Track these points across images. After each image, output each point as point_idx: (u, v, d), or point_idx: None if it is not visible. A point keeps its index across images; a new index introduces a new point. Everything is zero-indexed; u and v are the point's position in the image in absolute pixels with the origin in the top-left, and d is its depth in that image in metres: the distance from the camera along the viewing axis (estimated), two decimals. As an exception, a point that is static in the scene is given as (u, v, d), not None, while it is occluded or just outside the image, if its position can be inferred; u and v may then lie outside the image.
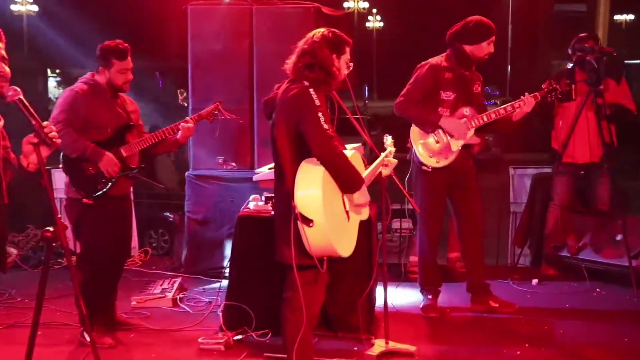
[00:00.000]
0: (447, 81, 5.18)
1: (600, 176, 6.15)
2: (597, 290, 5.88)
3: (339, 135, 3.84)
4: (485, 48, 5.16)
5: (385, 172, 4.18)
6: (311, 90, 3.65)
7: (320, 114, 3.59)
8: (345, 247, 3.72)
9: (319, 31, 3.82)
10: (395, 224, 8.47)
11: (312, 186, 3.58)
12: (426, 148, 5.22)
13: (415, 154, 5.22)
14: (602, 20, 15.32)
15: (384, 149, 4.28)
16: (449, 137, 5.19)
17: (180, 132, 4.89)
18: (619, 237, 5.90)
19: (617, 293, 5.76)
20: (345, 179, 3.68)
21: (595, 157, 6.09)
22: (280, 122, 3.71)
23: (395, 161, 4.27)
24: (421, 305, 5.40)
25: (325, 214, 3.54)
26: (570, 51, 6.18)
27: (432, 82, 5.16)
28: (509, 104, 5.26)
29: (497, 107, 5.30)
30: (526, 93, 5.21)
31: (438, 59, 5.25)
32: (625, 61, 6.21)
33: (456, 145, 5.21)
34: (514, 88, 22.99)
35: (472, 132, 5.23)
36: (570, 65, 6.20)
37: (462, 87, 5.21)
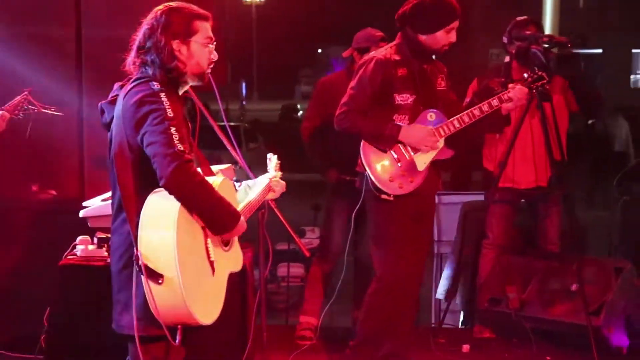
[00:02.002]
0: (402, 80, 5.17)
1: (549, 206, 6.32)
2: (547, 358, 5.99)
3: (203, 152, 3.80)
4: (443, 38, 5.15)
5: (272, 196, 4.23)
6: (162, 94, 3.58)
7: (173, 129, 3.51)
8: (208, 311, 3.67)
9: (159, 7, 3.76)
10: (282, 271, 8.44)
11: (162, 227, 3.51)
12: (384, 170, 5.20)
13: (370, 178, 5.17)
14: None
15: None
16: (412, 153, 5.20)
17: None
18: (573, 287, 6.04)
19: (572, 360, 5.90)
20: (212, 217, 3.63)
21: (542, 180, 6.25)
22: (120, 138, 3.64)
23: (283, 183, 4.29)
24: None
25: (181, 267, 3.48)
26: (505, 39, 6.27)
27: (381, 83, 5.14)
28: (486, 100, 5.29)
29: (470, 107, 5.30)
30: (510, 84, 5.34)
31: (385, 51, 5.23)
32: (582, 51, 6.37)
33: (423, 162, 5.21)
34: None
35: (441, 142, 5.23)
36: (508, 59, 6.32)
37: (422, 86, 5.21)
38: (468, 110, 5.25)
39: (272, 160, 4.42)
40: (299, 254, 5.85)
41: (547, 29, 15.86)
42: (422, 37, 5.15)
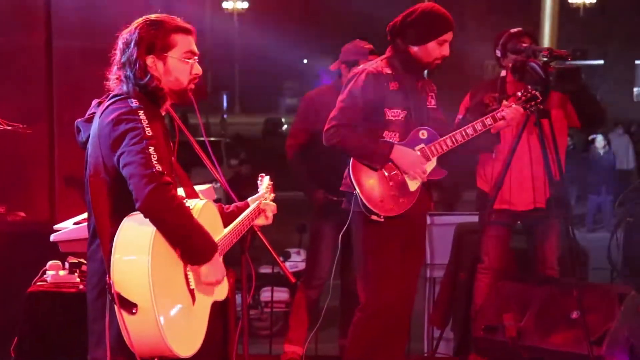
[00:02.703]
0: (393, 94, 5.18)
1: (548, 229, 6.32)
2: (546, 389, 5.99)
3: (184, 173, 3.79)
4: (435, 50, 5.17)
5: (262, 222, 4.21)
6: (141, 112, 3.58)
7: (151, 149, 3.51)
8: (187, 343, 3.65)
9: (138, 20, 3.76)
10: (265, 296, 8.42)
11: (136, 252, 3.51)
12: (374, 189, 5.17)
13: (359, 198, 5.16)
14: (552, 5, 15.91)
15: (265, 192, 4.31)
16: (404, 172, 5.20)
17: None
18: (574, 315, 6.04)
19: (572, 393, 5.89)
20: (187, 245, 3.62)
21: (540, 201, 6.25)
22: (96, 158, 3.64)
23: (274, 205, 4.27)
24: None
25: (156, 295, 3.47)
26: (498, 53, 6.27)
27: (373, 96, 5.15)
28: (479, 119, 5.31)
29: (463, 125, 5.32)
30: (504, 101, 5.38)
31: (377, 64, 5.25)
32: (582, 62, 6.36)
33: (415, 182, 5.22)
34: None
35: (433, 163, 5.25)
36: (504, 73, 6.32)
37: (414, 102, 5.24)
38: (461, 129, 5.27)
39: (265, 181, 4.40)
40: (283, 277, 5.82)
41: (545, 39, 15.87)
42: (414, 49, 5.17)
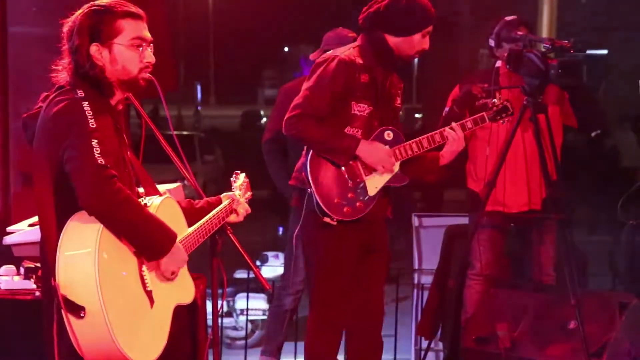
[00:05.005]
0: (363, 87, 5.12)
1: (544, 232, 6.36)
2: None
3: (150, 168, 3.79)
4: (418, 43, 5.16)
5: (232, 219, 4.24)
6: (85, 103, 3.61)
7: (94, 142, 3.54)
8: (144, 348, 3.65)
9: (85, 6, 3.77)
10: (240, 303, 8.43)
11: (81, 249, 3.52)
12: (330, 189, 5.10)
13: (315, 198, 5.10)
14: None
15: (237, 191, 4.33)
16: (364, 175, 5.15)
17: None
18: (572, 325, 6.05)
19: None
20: (140, 240, 3.64)
21: (535, 203, 6.28)
22: (40, 154, 3.66)
23: (246, 205, 4.29)
24: None
25: (105, 296, 3.48)
26: (492, 42, 6.28)
27: (342, 87, 5.09)
28: (434, 132, 5.26)
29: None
30: (453, 124, 5.26)
31: (348, 52, 5.17)
32: (584, 53, 6.33)
33: (375, 186, 5.17)
34: (423, 93, 23.48)
35: (397, 167, 5.21)
36: (499, 64, 6.33)
37: (382, 98, 5.21)
38: (428, 135, 5.23)
39: (240, 178, 4.41)
40: (260, 283, 5.82)
41: (544, 28, 15.86)
42: (395, 40, 5.13)
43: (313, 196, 5.09)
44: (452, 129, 5.23)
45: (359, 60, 5.13)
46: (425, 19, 5.14)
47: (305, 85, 5.16)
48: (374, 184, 5.16)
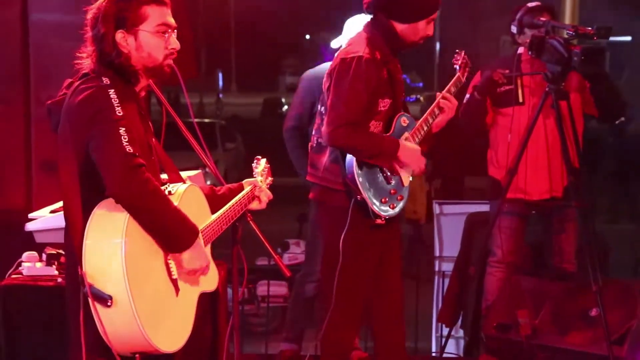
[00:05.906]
0: (385, 83, 5.04)
1: (565, 220, 6.34)
2: (562, 392, 6.01)
3: (171, 155, 3.80)
4: (423, 30, 5.09)
5: (255, 206, 4.22)
6: (111, 91, 3.60)
7: (122, 130, 3.53)
8: (170, 337, 3.67)
9: None
10: (262, 290, 8.43)
11: (108, 239, 3.52)
12: (378, 191, 5.04)
13: (369, 204, 4.98)
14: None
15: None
16: (399, 168, 5.09)
17: None
18: (593, 313, 6.05)
19: (590, 396, 5.91)
20: (164, 231, 3.63)
21: (557, 190, 6.26)
22: (65, 142, 3.64)
23: (268, 192, 4.28)
24: None
25: (132, 285, 3.48)
26: (514, 28, 6.27)
27: (374, 87, 4.98)
28: (432, 106, 5.25)
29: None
30: (443, 93, 5.26)
31: (367, 49, 5.02)
32: (610, 39, 6.29)
33: (407, 176, 5.14)
34: (445, 81, 23.39)
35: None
36: (521, 50, 6.32)
37: (396, 87, 5.14)
38: (428, 111, 5.22)
39: (261, 164, 4.41)
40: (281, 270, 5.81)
41: (567, 14, 15.78)
42: (400, 27, 5.08)
43: (366, 203, 4.98)
44: (444, 98, 5.22)
45: (377, 56, 5.02)
46: (432, 6, 5.06)
47: (338, 92, 4.99)
48: (406, 174, 5.15)
